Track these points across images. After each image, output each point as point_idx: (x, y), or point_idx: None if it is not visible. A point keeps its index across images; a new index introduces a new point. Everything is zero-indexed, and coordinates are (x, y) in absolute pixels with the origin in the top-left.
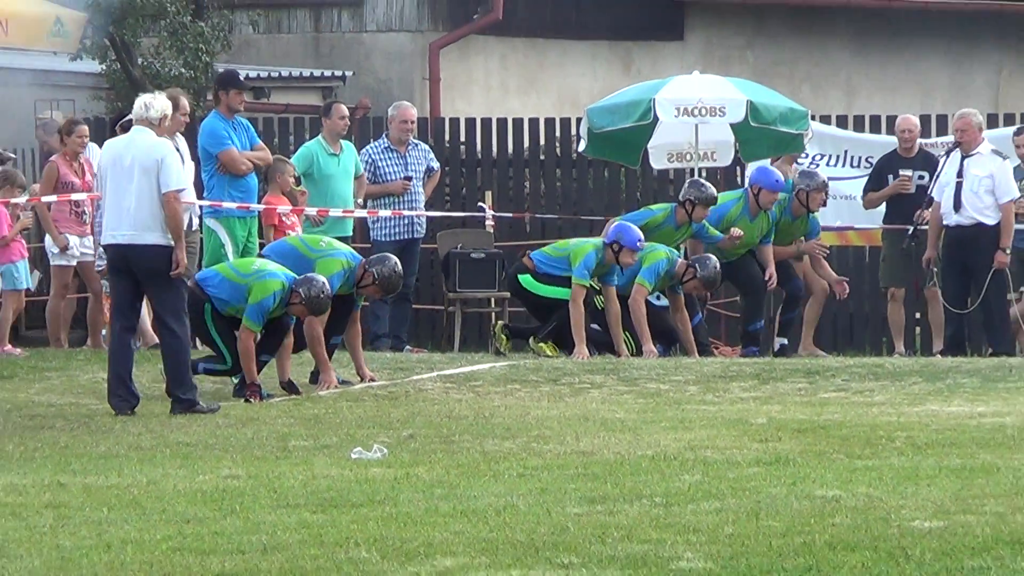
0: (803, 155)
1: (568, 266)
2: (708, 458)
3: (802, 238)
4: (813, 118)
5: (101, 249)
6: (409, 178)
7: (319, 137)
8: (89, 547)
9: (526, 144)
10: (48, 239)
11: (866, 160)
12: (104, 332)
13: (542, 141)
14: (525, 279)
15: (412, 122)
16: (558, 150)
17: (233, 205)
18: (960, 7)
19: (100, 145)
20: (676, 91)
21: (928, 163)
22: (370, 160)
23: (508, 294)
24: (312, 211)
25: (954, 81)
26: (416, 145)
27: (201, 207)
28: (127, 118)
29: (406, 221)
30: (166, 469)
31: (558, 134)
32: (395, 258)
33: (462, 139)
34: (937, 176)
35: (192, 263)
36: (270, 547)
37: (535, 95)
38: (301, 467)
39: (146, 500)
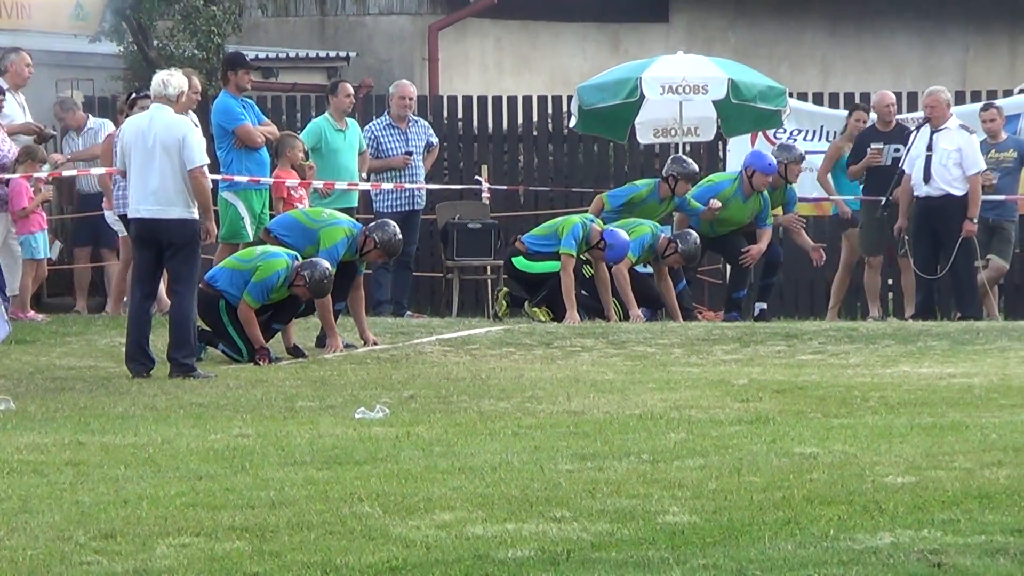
0: (782, 130)
1: (557, 241)
2: (692, 417)
3: (780, 208)
4: (791, 95)
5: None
6: (410, 153)
7: (326, 114)
8: (107, 502)
9: (520, 120)
10: (108, 213)
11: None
12: (125, 299)
13: (535, 118)
14: (518, 261)
15: (411, 99)
16: (550, 126)
17: (245, 179)
18: None
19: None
20: (661, 70)
21: (904, 138)
22: (373, 136)
23: (503, 262)
24: (319, 184)
25: (924, 60)
26: (416, 122)
27: (217, 182)
28: (132, 96)
29: (407, 193)
30: (180, 428)
31: (550, 111)
32: (394, 223)
33: (459, 116)
34: (908, 150)
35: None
36: (278, 502)
37: (528, 74)
38: (307, 426)
39: (161, 458)
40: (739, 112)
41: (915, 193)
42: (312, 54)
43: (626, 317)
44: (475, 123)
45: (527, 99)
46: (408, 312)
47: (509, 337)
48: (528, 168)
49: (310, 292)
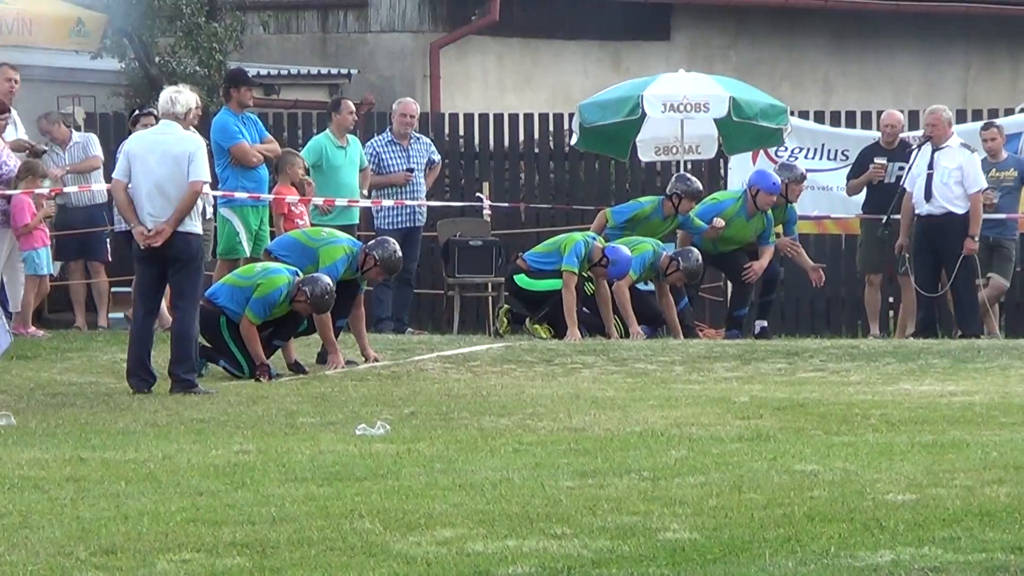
0: (783, 148)
1: (558, 258)
2: (693, 434)
3: (780, 227)
4: (792, 113)
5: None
6: (411, 170)
7: (327, 131)
8: (108, 518)
9: (521, 138)
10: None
11: (842, 153)
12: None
13: (536, 135)
14: (520, 278)
15: (413, 116)
16: (551, 144)
17: (245, 195)
18: (930, 9)
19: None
20: (663, 88)
21: (907, 156)
22: (374, 153)
23: (504, 279)
24: (319, 200)
25: (925, 79)
26: (418, 139)
27: (215, 197)
28: (135, 114)
29: (408, 210)
30: (180, 444)
31: (551, 129)
32: (394, 241)
33: (461, 133)
34: (909, 168)
35: (207, 250)
36: (279, 518)
37: (530, 92)
38: (308, 443)
39: (162, 474)
40: (740, 130)
41: (916, 211)
42: (314, 71)
43: (627, 334)
44: (476, 140)
45: (528, 117)
46: (409, 329)
47: (510, 354)
48: (529, 185)
49: (312, 308)
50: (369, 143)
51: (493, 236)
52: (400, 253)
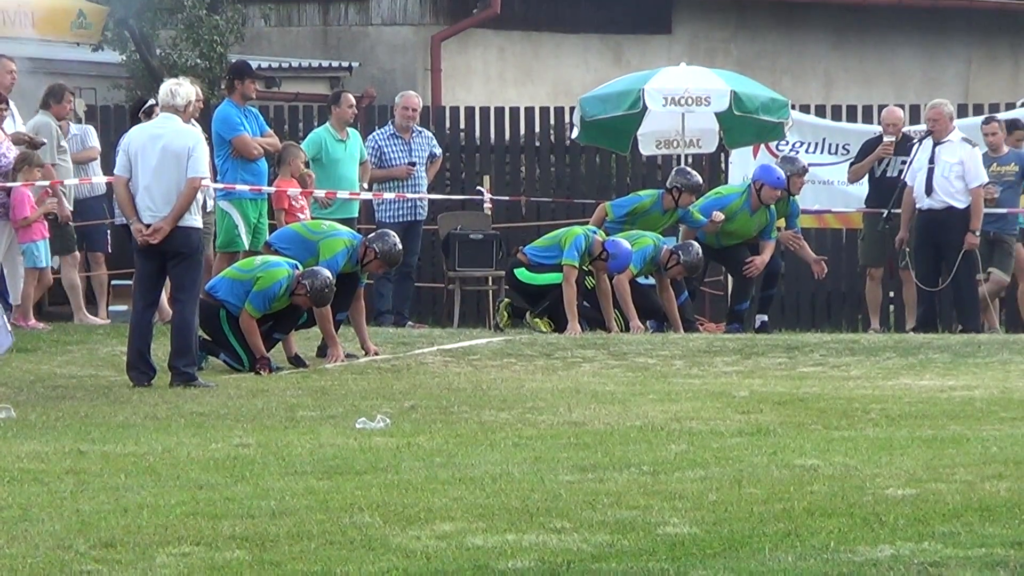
0: (784, 142)
1: (559, 253)
2: (693, 429)
3: (782, 220)
4: (793, 107)
5: None
6: (413, 163)
7: (327, 124)
8: (107, 511)
9: (522, 131)
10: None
11: (843, 147)
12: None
13: (537, 129)
14: (521, 272)
15: (415, 109)
16: (552, 137)
17: (245, 188)
18: (932, 3)
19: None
20: (664, 82)
21: (908, 150)
22: (376, 146)
23: (504, 273)
24: (320, 193)
25: (926, 73)
26: (420, 132)
27: (215, 190)
28: (148, 104)
29: (409, 204)
30: (180, 438)
31: (552, 122)
32: (394, 234)
33: (462, 126)
34: (910, 162)
35: (207, 243)
36: (278, 512)
37: (531, 85)
38: (308, 436)
39: (161, 467)
40: (741, 124)
41: (917, 205)
42: (315, 64)
43: (627, 328)
44: (477, 134)
45: (529, 110)
46: (409, 322)
47: (510, 348)
48: (530, 179)
49: (311, 301)
50: (371, 136)
51: (494, 229)
52: (400, 246)
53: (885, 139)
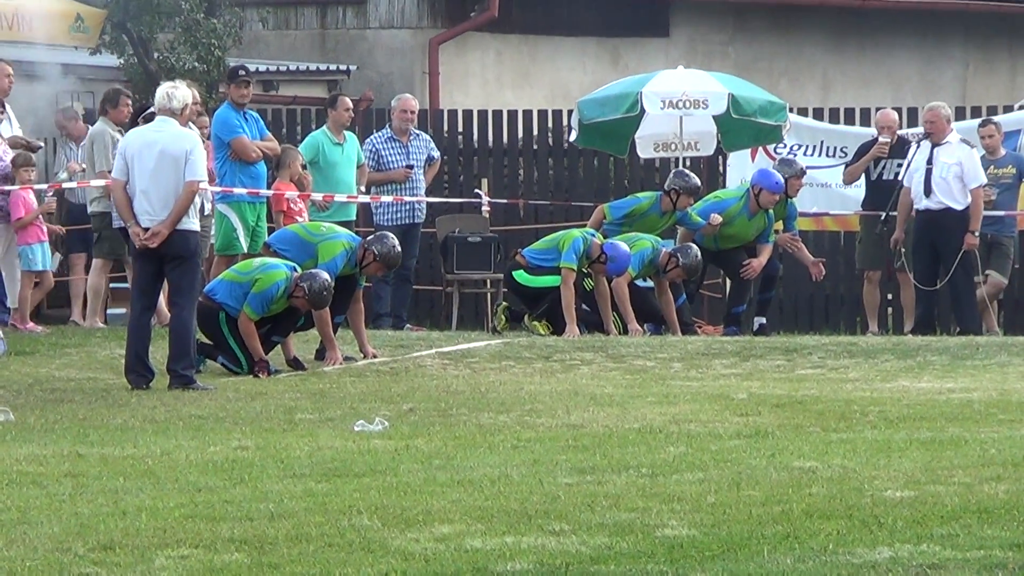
0: (781, 145)
1: (557, 255)
2: (692, 431)
3: (780, 223)
4: (791, 110)
5: None
6: (411, 166)
7: (324, 128)
8: (106, 514)
9: (520, 134)
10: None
11: (841, 150)
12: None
13: (535, 132)
14: (519, 275)
15: (413, 112)
16: (550, 140)
17: (244, 191)
18: (929, 6)
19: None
20: (662, 85)
21: (905, 152)
22: (374, 149)
23: (503, 275)
24: (318, 196)
25: (923, 76)
26: (418, 135)
27: (213, 192)
28: (149, 110)
29: (407, 206)
30: (179, 440)
31: (550, 125)
32: (393, 236)
33: (460, 130)
34: (907, 164)
35: (204, 246)
36: (277, 514)
37: (529, 88)
38: (307, 439)
39: (160, 470)
40: (739, 127)
41: (915, 207)
42: (313, 67)
43: (626, 331)
44: (475, 137)
45: (527, 113)
46: (408, 325)
47: (508, 350)
48: (528, 182)
49: (309, 303)
50: (369, 140)
51: (492, 232)
52: (399, 248)
53: (881, 138)
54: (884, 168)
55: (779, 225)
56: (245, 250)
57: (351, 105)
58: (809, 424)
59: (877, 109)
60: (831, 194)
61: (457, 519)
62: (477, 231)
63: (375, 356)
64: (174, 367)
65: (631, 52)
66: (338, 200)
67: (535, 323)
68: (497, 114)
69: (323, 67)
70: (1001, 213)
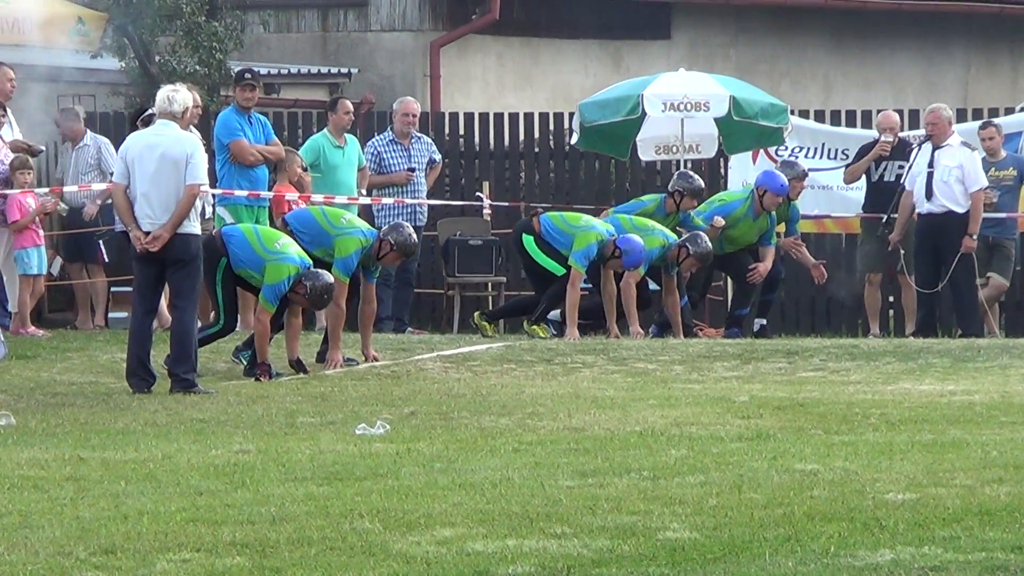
0: (783, 147)
1: (569, 243)
2: (693, 434)
3: (782, 225)
4: (792, 112)
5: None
6: (412, 169)
7: (325, 130)
8: (107, 518)
9: (521, 137)
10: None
11: (842, 152)
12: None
13: (536, 134)
14: (528, 240)
15: (415, 115)
16: (552, 143)
17: (244, 193)
18: (931, 8)
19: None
20: (663, 87)
21: (907, 155)
22: (375, 152)
23: (504, 279)
24: (319, 198)
25: (925, 78)
26: (419, 138)
27: (213, 195)
28: (148, 112)
29: (408, 209)
30: (180, 444)
31: (551, 128)
32: (408, 224)
33: (461, 132)
34: (909, 167)
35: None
36: (279, 518)
37: (530, 91)
38: (308, 442)
39: (161, 473)
40: (741, 129)
41: (917, 210)
42: (314, 70)
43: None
44: (476, 140)
45: (528, 116)
46: (409, 328)
47: (510, 354)
48: (529, 185)
49: (309, 302)
50: (370, 142)
51: (493, 235)
52: (415, 236)
53: (883, 138)
54: (885, 169)
55: (781, 228)
56: None
57: (352, 108)
58: (811, 427)
59: (878, 111)
60: (832, 197)
61: (458, 522)
62: (478, 234)
63: (376, 359)
64: (175, 371)
65: (632, 54)
66: (339, 202)
67: (534, 327)
68: (498, 117)
69: (324, 70)
70: (1002, 215)
